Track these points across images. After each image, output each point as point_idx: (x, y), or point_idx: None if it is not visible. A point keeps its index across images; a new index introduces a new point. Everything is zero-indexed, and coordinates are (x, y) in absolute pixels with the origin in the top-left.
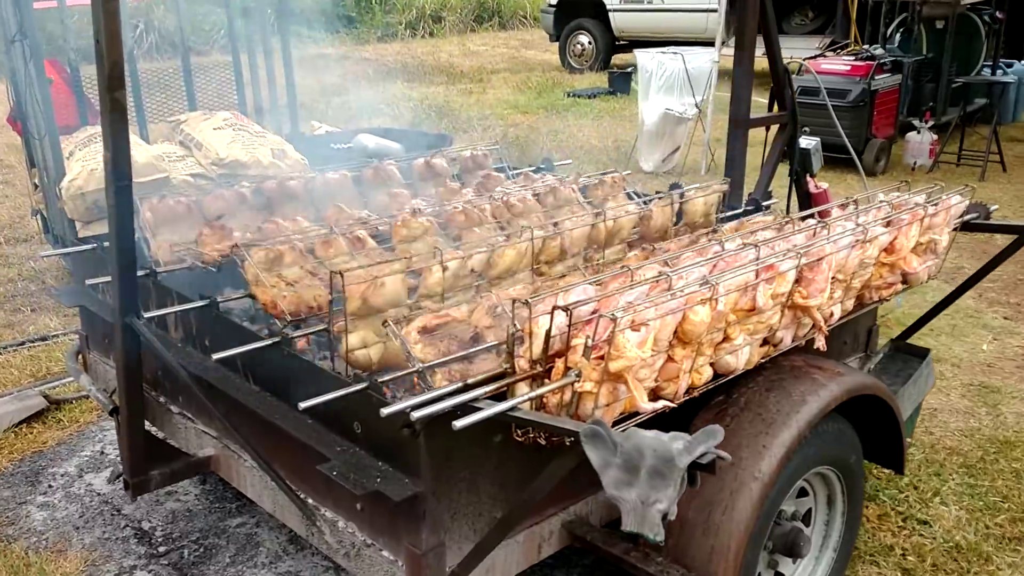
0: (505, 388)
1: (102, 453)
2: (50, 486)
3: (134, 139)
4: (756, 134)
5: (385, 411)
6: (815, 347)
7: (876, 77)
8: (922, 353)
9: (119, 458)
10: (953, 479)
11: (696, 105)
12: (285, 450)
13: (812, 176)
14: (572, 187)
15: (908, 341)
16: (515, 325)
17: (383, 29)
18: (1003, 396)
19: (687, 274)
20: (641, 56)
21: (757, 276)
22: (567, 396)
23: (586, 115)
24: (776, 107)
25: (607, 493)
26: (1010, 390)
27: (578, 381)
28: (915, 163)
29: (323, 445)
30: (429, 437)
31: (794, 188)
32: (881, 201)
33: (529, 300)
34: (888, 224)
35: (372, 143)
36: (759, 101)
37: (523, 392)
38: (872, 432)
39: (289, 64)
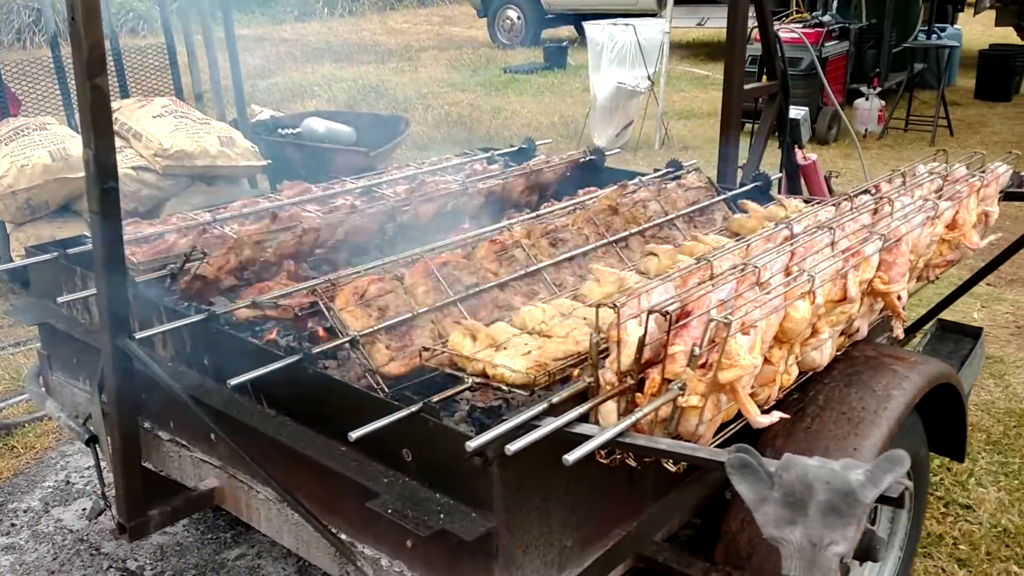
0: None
1: (67, 483)
2: (13, 524)
3: (66, 130)
4: (699, 104)
5: (473, 444)
6: (894, 336)
7: (826, 44)
8: (974, 333)
9: (96, 491)
10: (983, 457)
11: (648, 78)
12: (312, 481)
13: (800, 147)
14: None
15: (941, 317)
16: (598, 331)
17: (299, 8)
18: (1007, 366)
19: (770, 264)
20: (591, 29)
21: (846, 262)
22: (664, 411)
23: (526, 91)
24: (765, 77)
25: (764, 533)
26: (1012, 359)
27: (682, 395)
28: (866, 130)
29: (366, 477)
30: (502, 465)
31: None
32: (933, 173)
33: (616, 303)
34: (945, 197)
35: (322, 127)
36: (696, 72)
37: (611, 409)
38: (935, 420)
39: (233, 45)
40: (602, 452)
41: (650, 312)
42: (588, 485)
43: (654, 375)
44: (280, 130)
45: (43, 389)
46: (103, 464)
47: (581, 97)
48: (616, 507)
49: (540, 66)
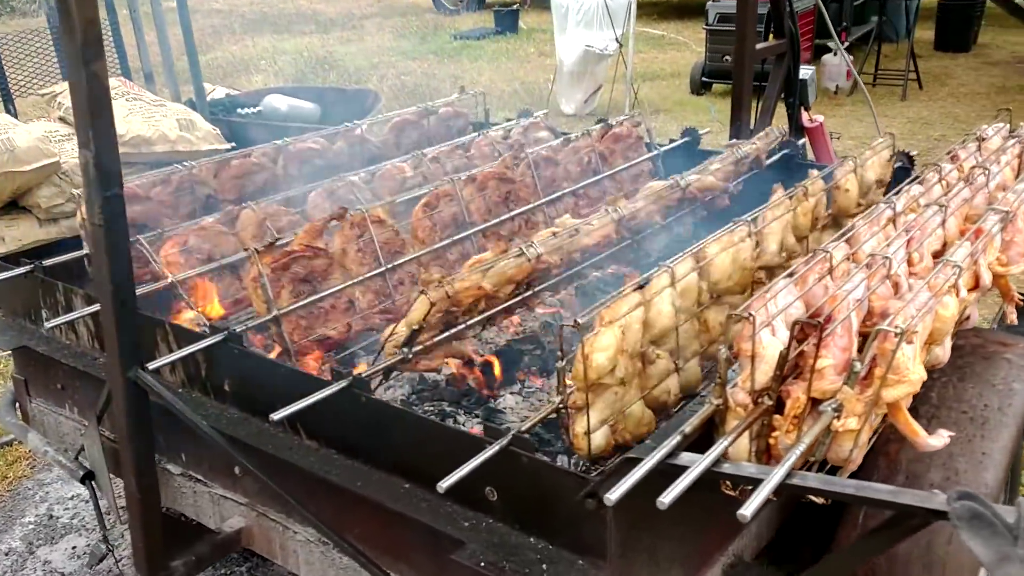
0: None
1: (51, 517)
2: None
3: (7, 118)
4: (660, 65)
5: (614, 496)
6: (1008, 322)
7: None
8: None
9: (88, 528)
10: None
11: (616, 40)
12: (366, 523)
13: (807, 109)
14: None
15: None
16: (728, 345)
17: None
18: None
19: (895, 254)
20: None
21: (977, 246)
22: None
23: (480, 58)
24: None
25: None
26: None
27: (837, 418)
28: (836, 87)
29: (442, 520)
30: (616, 505)
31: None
32: (1012, 136)
33: (753, 313)
34: None
35: (284, 105)
36: (651, 32)
37: (735, 432)
38: None
39: (186, 17)
40: (727, 483)
41: (797, 323)
42: (693, 513)
43: (798, 394)
44: (239, 110)
45: (19, 419)
46: (102, 503)
47: (539, 62)
48: (715, 532)
49: (491, 31)
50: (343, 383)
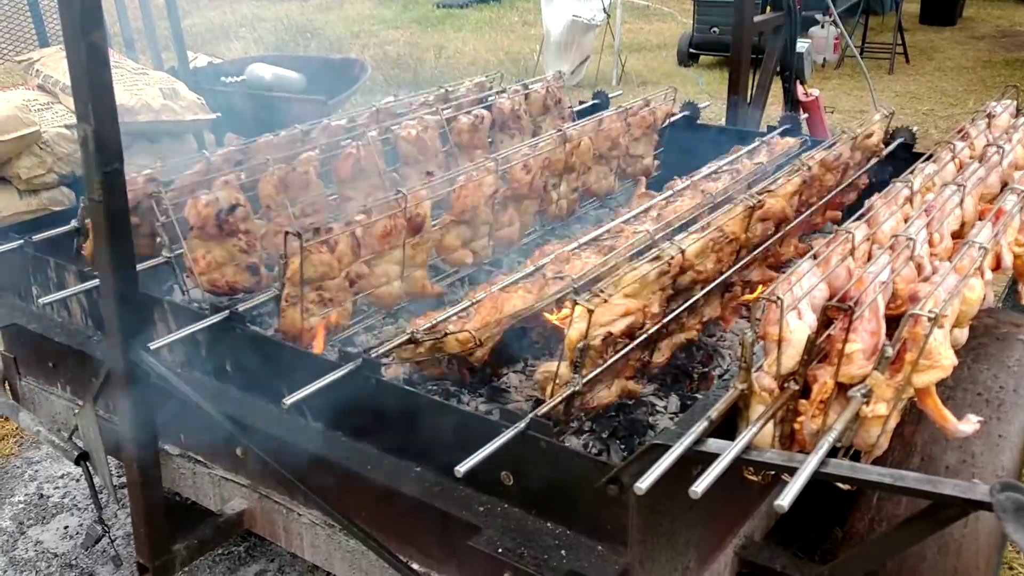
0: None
1: (41, 496)
2: None
3: None
4: (647, 36)
5: (644, 485)
6: (1022, 302)
7: None
8: None
9: (79, 506)
10: None
11: (604, 10)
12: (376, 504)
13: (803, 83)
14: None
15: None
16: (754, 329)
17: None
18: None
19: (917, 234)
20: None
21: (998, 227)
22: (830, 418)
23: (464, 27)
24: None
25: None
26: None
27: (866, 403)
28: (824, 60)
29: (456, 505)
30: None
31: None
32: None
33: (781, 296)
34: None
35: (268, 74)
36: (636, 2)
37: (757, 417)
38: None
39: None
40: (749, 469)
41: (827, 307)
42: (711, 496)
43: (825, 379)
44: (223, 78)
45: (10, 398)
46: (97, 482)
47: (523, 31)
48: (731, 514)
49: None
50: (353, 364)
